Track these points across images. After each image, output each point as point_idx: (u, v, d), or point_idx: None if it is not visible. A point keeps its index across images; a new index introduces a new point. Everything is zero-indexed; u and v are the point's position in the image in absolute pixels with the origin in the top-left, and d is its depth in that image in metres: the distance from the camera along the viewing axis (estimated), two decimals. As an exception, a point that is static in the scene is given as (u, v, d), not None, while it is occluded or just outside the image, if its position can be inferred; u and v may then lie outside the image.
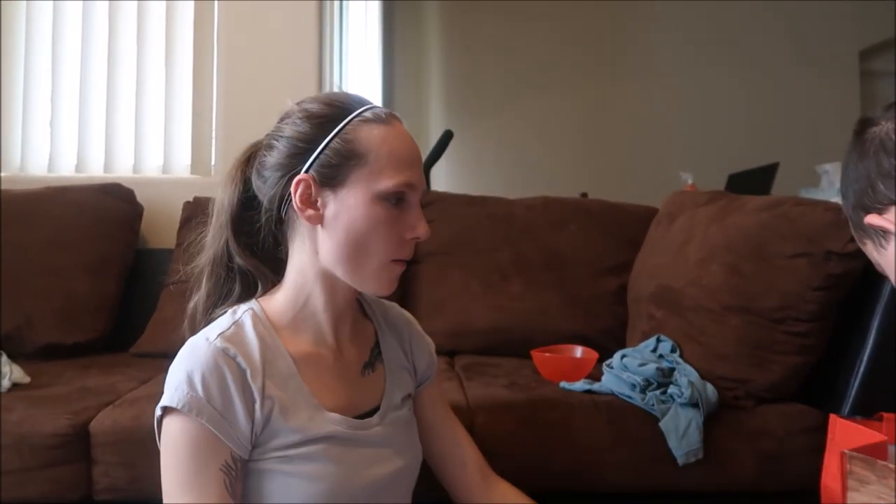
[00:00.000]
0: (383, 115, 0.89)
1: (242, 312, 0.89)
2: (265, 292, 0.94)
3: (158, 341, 1.91)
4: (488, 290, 1.97)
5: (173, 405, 0.80)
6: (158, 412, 0.83)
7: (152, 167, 2.47)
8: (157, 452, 1.29)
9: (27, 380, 1.55)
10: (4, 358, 1.55)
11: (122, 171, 2.45)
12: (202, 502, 0.79)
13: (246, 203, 0.94)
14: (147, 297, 2.03)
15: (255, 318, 0.88)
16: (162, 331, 1.93)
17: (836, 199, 2.94)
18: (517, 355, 1.78)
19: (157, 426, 0.84)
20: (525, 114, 4.34)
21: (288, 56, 2.40)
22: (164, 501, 0.82)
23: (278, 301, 0.92)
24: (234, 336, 0.85)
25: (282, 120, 0.92)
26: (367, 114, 0.88)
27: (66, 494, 1.31)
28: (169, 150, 2.47)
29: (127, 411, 1.37)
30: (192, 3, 2.46)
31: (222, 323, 0.87)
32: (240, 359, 0.83)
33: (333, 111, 0.88)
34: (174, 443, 0.81)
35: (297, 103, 0.92)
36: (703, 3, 4.28)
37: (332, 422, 0.88)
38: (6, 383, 1.49)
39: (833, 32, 4.33)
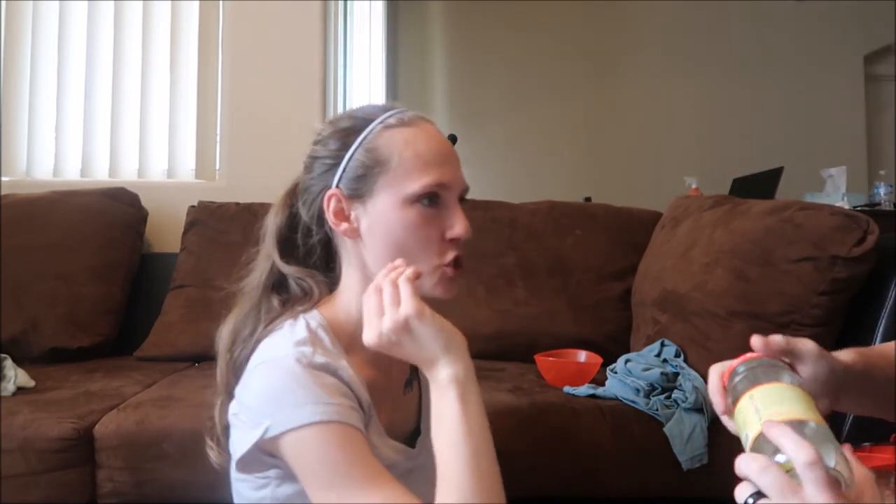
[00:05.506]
0: (407, 119, 0.86)
1: (316, 326, 0.84)
2: (317, 302, 0.89)
3: (163, 345, 1.91)
4: (493, 295, 1.96)
5: (314, 420, 0.73)
6: (272, 432, 0.74)
7: (157, 171, 2.48)
8: (161, 456, 1.29)
9: (32, 383, 1.55)
10: (9, 362, 1.55)
11: (127, 175, 2.46)
12: (397, 495, 0.73)
13: (293, 226, 0.93)
14: (152, 301, 2.04)
15: (331, 336, 0.84)
16: (167, 335, 1.93)
17: (842, 203, 2.92)
18: (521, 360, 1.77)
19: (257, 451, 0.76)
20: (529, 118, 4.34)
21: (292, 61, 2.40)
22: None
23: (338, 317, 0.87)
24: (322, 352, 0.80)
25: (314, 141, 0.90)
26: (391, 119, 0.86)
27: (70, 498, 1.32)
28: (173, 155, 2.48)
29: (131, 415, 1.37)
30: (197, 7, 2.47)
31: (301, 338, 0.81)
32: (341, 372, 0.79)
33: (357, 122, 0.86)
34: (328, 455, 0.74)
35: (329, 121, 0.91)
36: (707, 8, 4.27)
37: (394, 450, 0.85)
38: (11, 387, 1.50)
39: (837, 37, 4.33)
